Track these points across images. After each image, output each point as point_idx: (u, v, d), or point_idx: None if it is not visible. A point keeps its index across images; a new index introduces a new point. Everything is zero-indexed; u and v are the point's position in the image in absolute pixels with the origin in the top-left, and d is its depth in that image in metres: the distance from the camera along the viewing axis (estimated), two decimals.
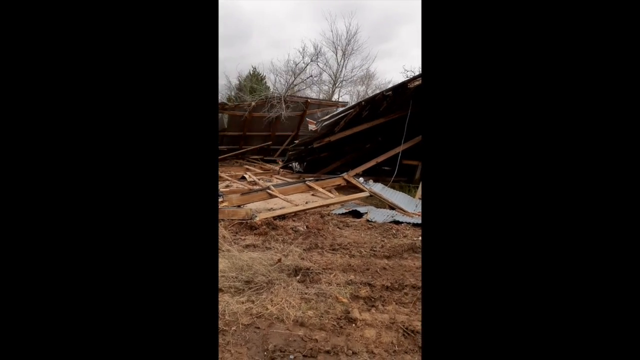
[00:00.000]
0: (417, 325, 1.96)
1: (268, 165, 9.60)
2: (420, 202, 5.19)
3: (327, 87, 21.74)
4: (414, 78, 6.15)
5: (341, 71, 21.53)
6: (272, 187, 5.36)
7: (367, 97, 7.81)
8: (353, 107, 6.96)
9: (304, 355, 1.69)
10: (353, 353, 1.72)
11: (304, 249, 3.21)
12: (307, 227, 3.91)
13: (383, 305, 2.21)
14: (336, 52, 21.65)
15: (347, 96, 22.81)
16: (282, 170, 8.69)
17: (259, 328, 1.91)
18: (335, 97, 21.54)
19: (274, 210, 4.54)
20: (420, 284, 2.51)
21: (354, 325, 1.97)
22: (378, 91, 8.68)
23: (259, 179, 7.17)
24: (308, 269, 2.70)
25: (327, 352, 1.72)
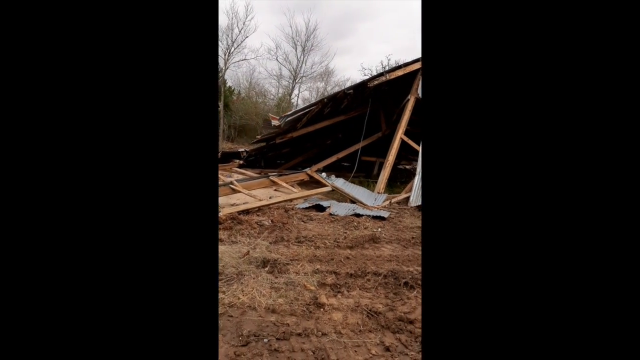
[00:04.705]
0: (380, 307, 2.15)
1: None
2: (379, 196, 5.47)
3: (287, 82, 21.70)
4: (373, 77, 6.43)
5: (301, 67, 21.59)
6: (235, 182, 5.35)
7: (329, 94, 7.97)
8: (315, 103, 7.10)
9: (277, 339, 1.80)
10: (322, 334, 1.86)
11: (271, 242, 3.30)
12: (272, 221, 3.99)
13: (348, 291, 2.38)
14: (296, 48, 21.65)
15: (307, 92, 22.95)
16: (241, 166, 8.62)
17: (232, 316, 1.98)
18: (295, 93, 21.58)
19: (237, 205, 4.55)
20: (380, 271, 2.72)
21: (322, 309, 2.11)
22: (338, 88, 8.89)
23: (219, 174, 7.07)
24: (276, 260, 2.80)
25: (299, 334, 1.85)
